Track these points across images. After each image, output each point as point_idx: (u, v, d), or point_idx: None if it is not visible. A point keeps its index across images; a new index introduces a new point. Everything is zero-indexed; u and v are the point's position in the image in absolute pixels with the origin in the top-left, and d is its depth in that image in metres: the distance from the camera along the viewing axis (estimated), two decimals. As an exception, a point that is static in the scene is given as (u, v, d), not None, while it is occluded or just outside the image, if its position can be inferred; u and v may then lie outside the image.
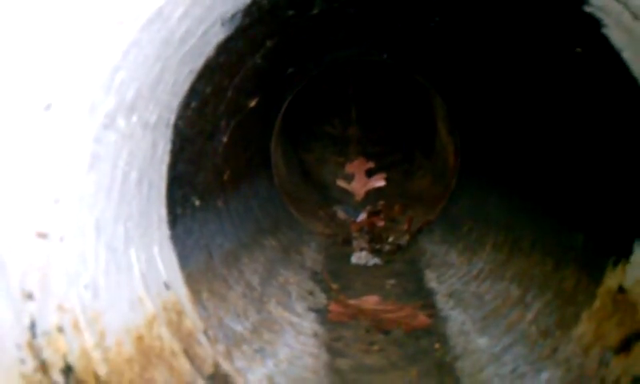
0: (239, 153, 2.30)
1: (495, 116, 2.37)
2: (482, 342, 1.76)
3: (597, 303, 1.45)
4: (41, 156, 0.85)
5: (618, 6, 1.11)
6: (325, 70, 3.12)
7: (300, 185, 3.77)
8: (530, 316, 1.69)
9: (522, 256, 1.97)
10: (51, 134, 0.84)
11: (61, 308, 0.90)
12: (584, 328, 1.45)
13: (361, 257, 2.86)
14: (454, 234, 2.71)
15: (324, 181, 4.02)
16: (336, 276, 2.58)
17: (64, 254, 0.92)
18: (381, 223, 3.35)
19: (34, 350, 0.83)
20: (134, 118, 1.13)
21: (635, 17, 1.10)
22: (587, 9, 1.20)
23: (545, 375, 1.47)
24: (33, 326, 0.83)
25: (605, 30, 1.21)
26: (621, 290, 1.38)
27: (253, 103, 2.24)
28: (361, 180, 4.01)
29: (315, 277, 2.48)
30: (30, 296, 0.83)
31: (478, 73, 2.26)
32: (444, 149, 3.62)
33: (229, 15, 1.27)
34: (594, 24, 1.23)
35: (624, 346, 1.28)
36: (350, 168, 4.05)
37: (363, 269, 2.77)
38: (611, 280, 1.42)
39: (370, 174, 3.99)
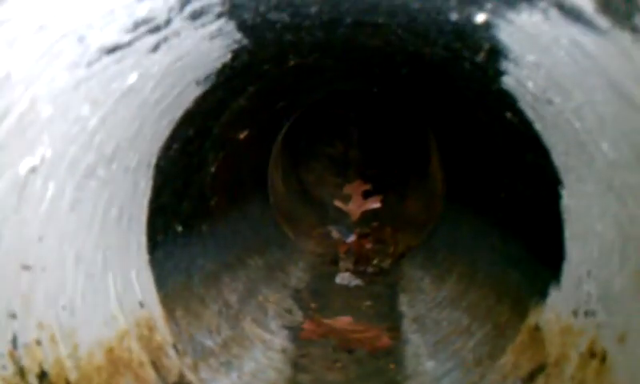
0: (230, 179, 2.52)
1: (469, 156, 2.56)
2: (430, 365, 1.95)
3: (519, 338, 1.63)
4: (27, 203, 1.07)
5: (521, 88, 1.31)
6: (320, 100, 3.34)
7: (297, 204, 3.97)
8: (471, 344, 1.88)
9: (476, 288, 2.15)
10: (36, 189, 1.07)
11: (40, 325, 1.13)
12: (506, 359, 1.63)
13: (344, 277, 3.05)
14: (432, 260, 2.89)
15: (322, 200, 4.22)
16: (317, 295, 2.79)
17: (45, 281, 1.15)
18: (369, 245, 3.54)
19: (14, 359, 1.05)
20: (114, 166, 1.35)
21: (535, 99, 1.29)
22: (503, 87, 1.40)
23: (471, 400, 1.66)
24: (14, 340, 1.06)
25: (519, 105, 1.41)
26: (537, 327, 1.56)
27: (243, 135, 2.46)
28: (357, 201, 4.19)
29: (296, 295, 2.69)
30: (13, 316, 1.06)
31: (450, 118, 2.46)
32: (435, 176, 3.80)
33: (202, 78, 1.49)
34: (513, 99, 1.43)
35: (530, 378, 1.47)
36: (347, 189, 4.25)
37: (345, 289, 2.96)
38: (532, 318, 1.61)
39: (366, 195, 4.19)
